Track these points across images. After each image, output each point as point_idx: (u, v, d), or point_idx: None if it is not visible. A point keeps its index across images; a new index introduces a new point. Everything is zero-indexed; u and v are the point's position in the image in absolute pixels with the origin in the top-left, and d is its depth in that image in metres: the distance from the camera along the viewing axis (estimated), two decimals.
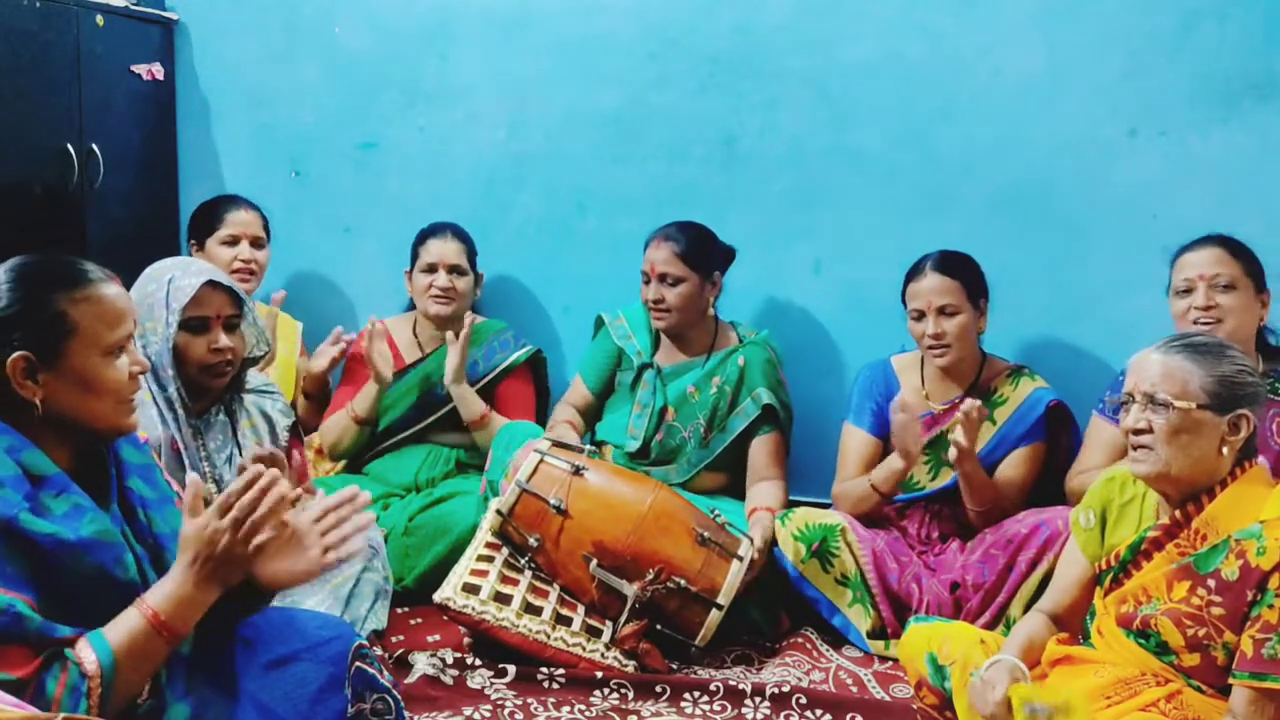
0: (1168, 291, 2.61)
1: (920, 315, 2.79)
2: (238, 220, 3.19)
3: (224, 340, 2.20)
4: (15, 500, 1.44)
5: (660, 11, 3.27)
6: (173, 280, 2.18)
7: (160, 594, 1.50)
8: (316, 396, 3.25)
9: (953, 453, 2.64)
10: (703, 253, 3.01)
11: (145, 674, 1.50)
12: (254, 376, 2.41)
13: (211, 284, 2.18)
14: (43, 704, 1.38)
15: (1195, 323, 2.49)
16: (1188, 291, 2.54)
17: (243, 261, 3.17)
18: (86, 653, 1.43)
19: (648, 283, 3.02)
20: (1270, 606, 1.72)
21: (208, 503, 1.56)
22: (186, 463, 2.20)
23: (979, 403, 2.66)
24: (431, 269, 3.16)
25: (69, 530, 1.46)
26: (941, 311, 2.77)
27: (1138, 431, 1.87)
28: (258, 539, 1.52)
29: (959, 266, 2.81)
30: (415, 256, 3.21)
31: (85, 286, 1.57)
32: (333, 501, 1.63)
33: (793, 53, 3.20)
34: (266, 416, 2.40)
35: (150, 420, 2.16)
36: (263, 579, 1.57)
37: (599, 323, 3.24)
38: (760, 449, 3.03)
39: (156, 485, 1.72)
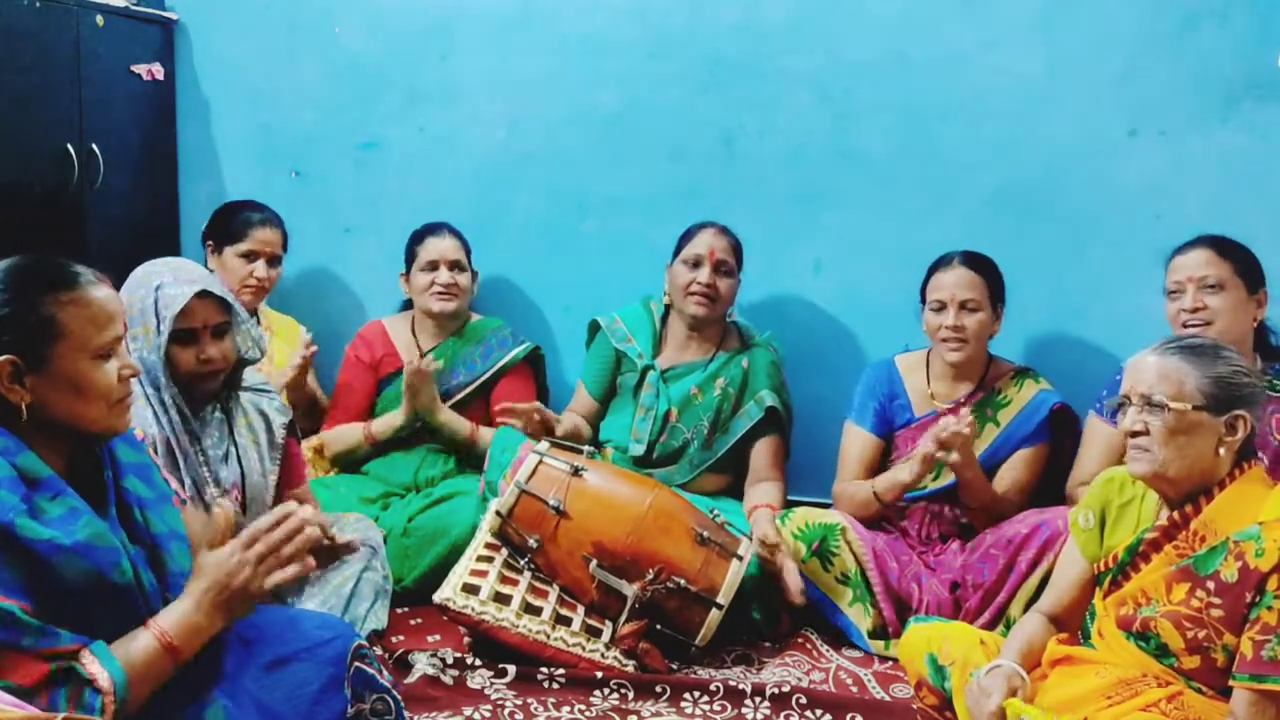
0: (1165, 293, 2.62)
1: (941, 307, 2.79)
2: (261, 238, 3.18)
3: (211, 350, 2.19)
4: (11, 504, 1.43)
5: (660, 11, 3.27)
6: (161, 288, 2.15)
7: (172, 618, 1.51)
8: (303, 406, 3.24)
9: (953, 456, 2.63)
10: (742, 252, 3.09)
11: (148, 694, 1.50)
12: (251, 375, 2.40)
13: (200, 293, 2.16)
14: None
15: (1185, 325, 2.51)
16: (1179, 294, 2.55)
17: (256, 279, 3.17)
18: (98, 669, 1.43)
19: (696, 266, 3.01)
20: (1269, 608, 1.72)
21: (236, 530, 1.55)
22: (182, 462, 2.20)
23: (969, 418, 2.64)
24: (433, 266, 3.16)
25: (64, 535, 1.46)
26: (964, 306, 2.77)
27: (1135, 433, 1.87)
28: (277, 576, 1.52)
29: (985, 266, 2.83)
30: (412, 256, 3.21)
31: (73, 289, 1.55)
32: (264, 525, 1.57)
33: (793, 53, 3.20)
34: (263, 415, 2.39)
35: (146, 420, 2.16)
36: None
37: (593, 328, 3.24)
38: (762, 451, 3.03)
39: (154, 484, 1.71)
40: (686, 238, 3.07)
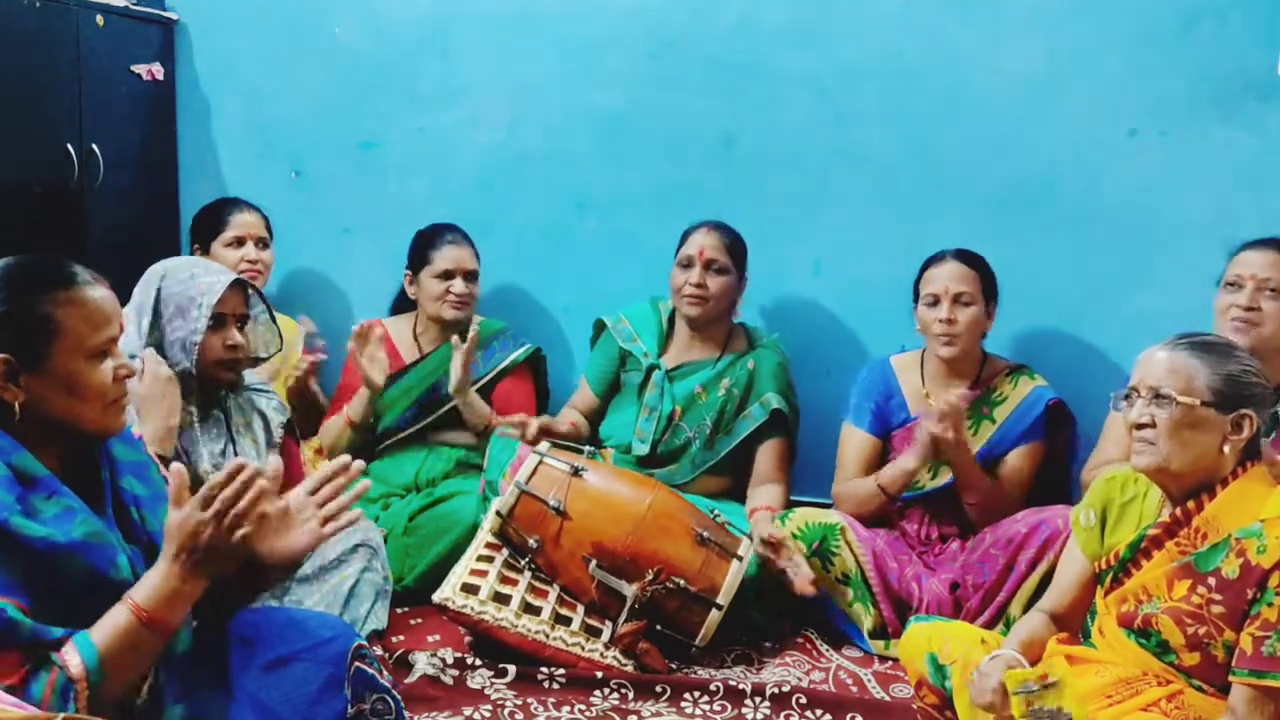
0: (1219, 282, 2.60)
1: (935, 301, 2.80)
2: (242, 222, 3.20)
3: (237, 337, 2.27)
4: (7, 502, 1.42)
5: (660, 11, 3.27)
6: (195, 277, 2.24)
7: (145, 588, 1.49)
8: (300, 406, 3.24)
9: (949, 432, 2.62)
10: (741, 250, 3.07)
11: (136, 669, 1.49)
12: (249, 375, 2.42)
13: (233, 283, 2.25)
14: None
15: (1234, 319, 2.50)
16: (1237, 287, 2.54)
17: (249, 262, 3.17)
18: (71, 656, 1.42)
19: (688, 267, 3.01)
20: (1270, 604, 1.72)
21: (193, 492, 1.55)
22: (184, 456, 2.22)
23: (963, 391, 2.65)
24: (448, 275, 3.15)
25: (60, 533, 1.45)
26: (957, 300, 2.78)
27: (1140, 426, 1.87)
28: (240, 531, 1.52)
29: (978, 262, 2.84)
30: (424, 261, 3.18)
31: (70, 289, 1.55)
32: (326, 472, 1.64)
33: (793, 53, 3.20)
34: (261, 414, 2.41)
35: None
36: (265, 559, 1.57)
37: (599, 326, 3.24)
38: (766, 454, 3.03)
39: (150, 482, 1.71)
40: (682, 239, 3.08)
